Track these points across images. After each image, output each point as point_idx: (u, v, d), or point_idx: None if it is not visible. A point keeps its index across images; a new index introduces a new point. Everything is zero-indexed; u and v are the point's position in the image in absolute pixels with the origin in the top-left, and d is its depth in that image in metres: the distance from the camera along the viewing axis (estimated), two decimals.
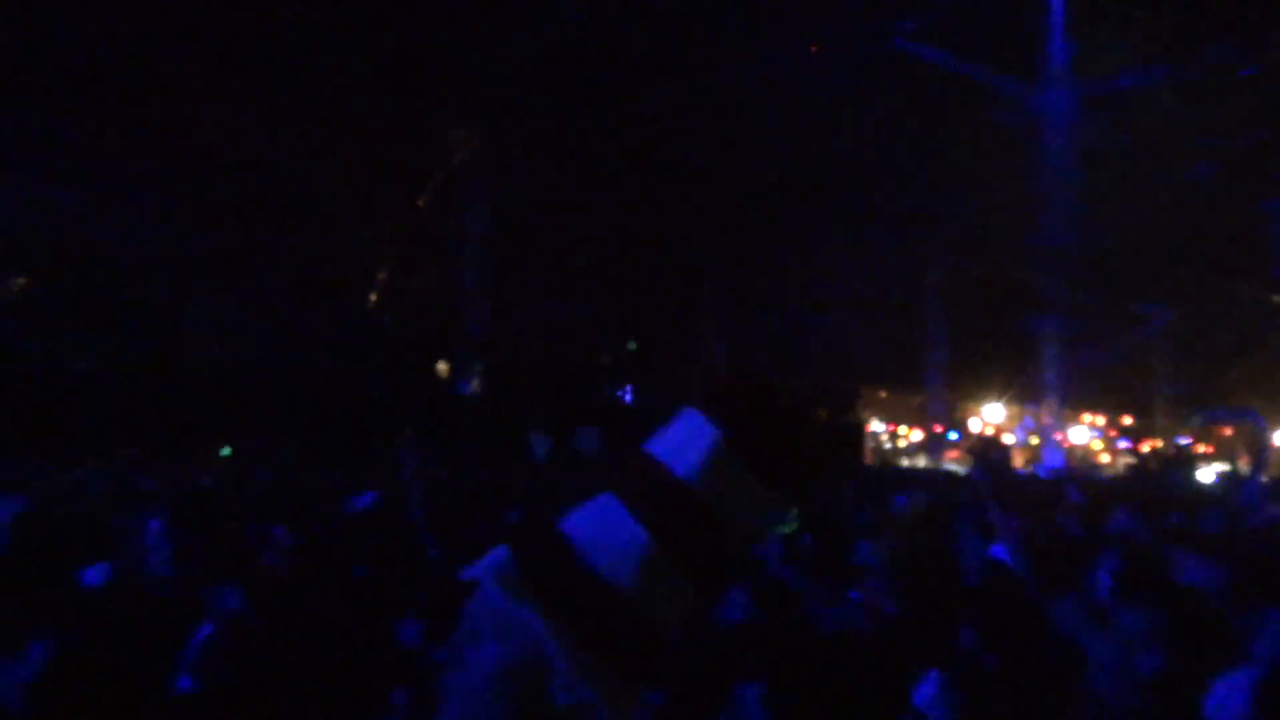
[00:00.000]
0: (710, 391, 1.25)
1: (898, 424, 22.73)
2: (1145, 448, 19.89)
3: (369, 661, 2.51)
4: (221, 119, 13.09)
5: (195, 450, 9.99)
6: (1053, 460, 16.41)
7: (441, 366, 15.87)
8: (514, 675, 1.10)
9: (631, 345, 17.60)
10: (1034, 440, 18.48)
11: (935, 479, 12.59)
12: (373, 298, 16.55)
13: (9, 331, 11.58)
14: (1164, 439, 20.04)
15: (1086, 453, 20.96)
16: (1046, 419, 17.50)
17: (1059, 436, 17.64)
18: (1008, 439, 19.31)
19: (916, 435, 21.88)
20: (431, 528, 4.17)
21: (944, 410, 20.71)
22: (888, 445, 22.23)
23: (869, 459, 17.92)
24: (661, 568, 1.13)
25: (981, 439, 19.26)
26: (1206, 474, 15.21)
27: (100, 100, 12.89)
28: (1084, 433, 21.55)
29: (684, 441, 1.20)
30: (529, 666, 1.09)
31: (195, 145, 13.15)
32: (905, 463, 19.92)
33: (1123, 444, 21.43)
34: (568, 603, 1.11)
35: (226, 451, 9.49)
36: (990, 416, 20.66)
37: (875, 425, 21.87)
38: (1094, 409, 21.73)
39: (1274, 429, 17.13)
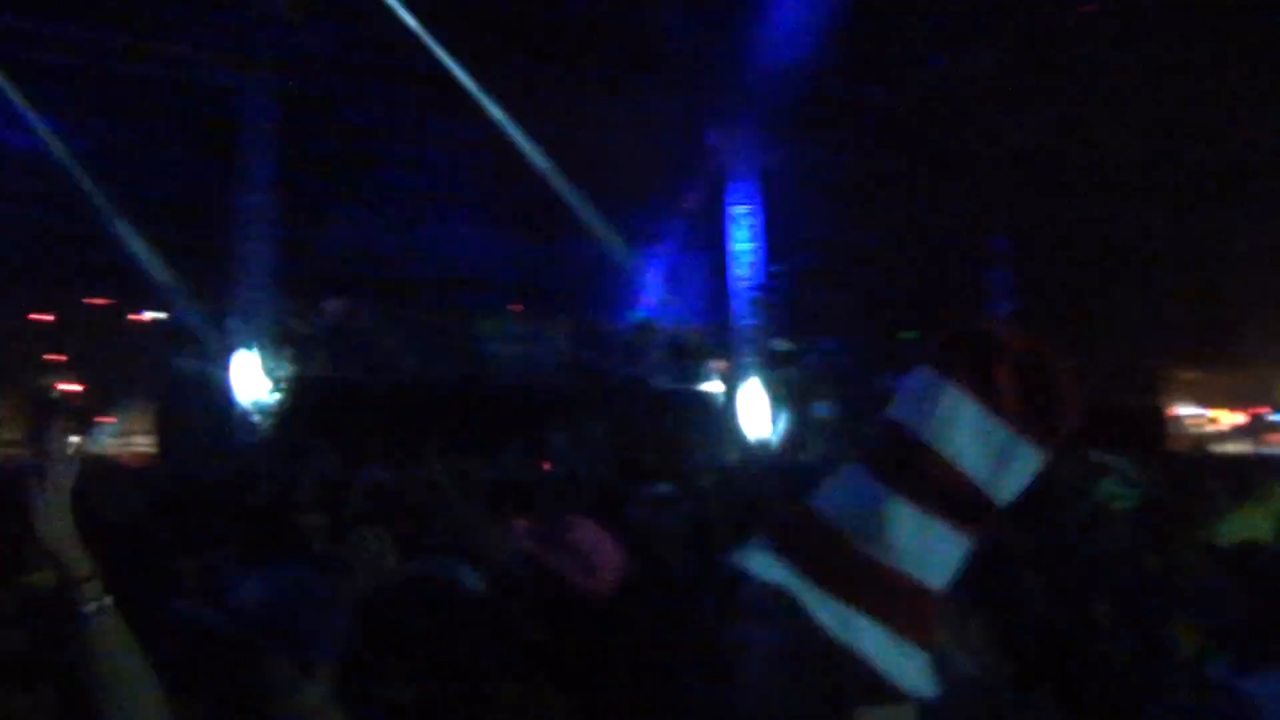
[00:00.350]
0: (944, 341, 1.21)
1: (1212, 407, 20.80)
2: None
3: (665, 648, 2.64)
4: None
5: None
6: None
7: (718, 364, 16.09)
8: (791, 654, 1.12)
9: (911, 334, 17.15)
10: None
11: (1245, 463, 11.49)
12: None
13: (327, 349, 13.06)
14: None
15: None
16: None
17: None
18: None
19: (1235, 419, 19.95)
20: (717, 517, 4.35)
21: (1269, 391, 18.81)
22: (1199, 430, 20.38)
23: (1176, 445, 16.57)
24: (916, 530, 1.11)
25: None
26: None
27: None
28: None
29: (920, 399, 1.17)
30: (804, 644, 1.12)
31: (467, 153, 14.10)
32: (1220, 449, 18.23)
33: None
34: (827, 575, 1.11)
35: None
36: None
37: (1185, 409, 20.12)
38: None
39: None
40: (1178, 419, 19.50)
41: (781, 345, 15.90)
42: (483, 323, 14.72)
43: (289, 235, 12.79)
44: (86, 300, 14.97)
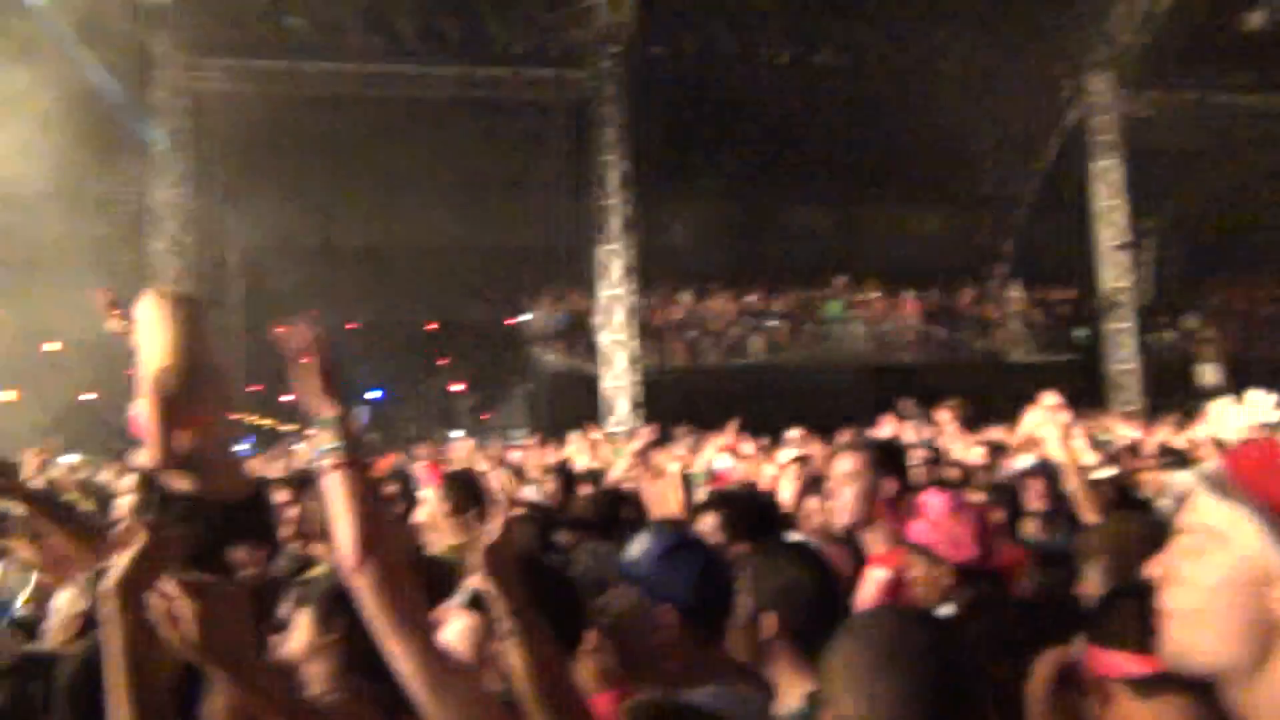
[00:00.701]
0: None
1: None
2: None
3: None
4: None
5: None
6: None
7: (1080, 332, 15.11)
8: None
9: None
10: None
11: None
12: (1000, 271, 16.29)
13: None
14: None
15: None
16: None
17: None
18: None
19: None
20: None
21: None
22: None
23: None
24: None
25: None
26: None
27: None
28: None
29: None
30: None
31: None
32: None
33: None
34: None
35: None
36: None
37: None
38: None
39: None
40: None
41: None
42: (829, 305, 14.70)
43: (644, 233, 13.22)
44: (468, 308, 16.47)
